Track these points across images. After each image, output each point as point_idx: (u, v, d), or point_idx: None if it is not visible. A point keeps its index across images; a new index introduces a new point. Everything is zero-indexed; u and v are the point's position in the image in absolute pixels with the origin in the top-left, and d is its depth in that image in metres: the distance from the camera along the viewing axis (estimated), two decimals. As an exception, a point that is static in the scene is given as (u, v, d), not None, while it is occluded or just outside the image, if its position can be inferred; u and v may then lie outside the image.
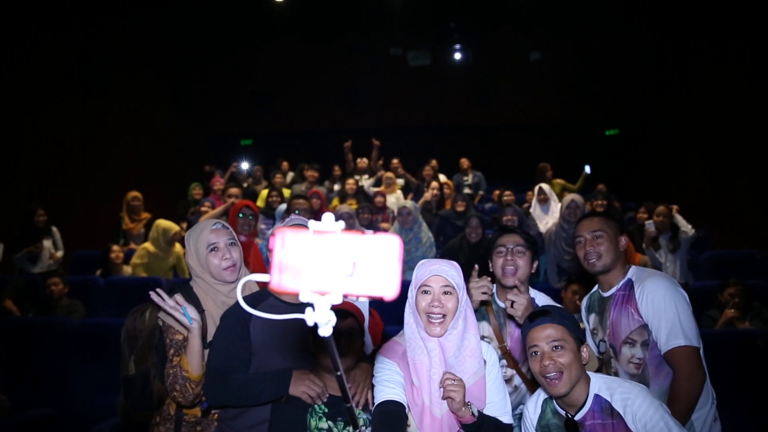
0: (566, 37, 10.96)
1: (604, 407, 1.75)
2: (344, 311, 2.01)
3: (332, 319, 0.61)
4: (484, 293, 2.27)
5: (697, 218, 6.70)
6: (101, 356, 3.78)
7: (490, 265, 2.41)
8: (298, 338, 2.02)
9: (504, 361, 2.32)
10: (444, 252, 5.09)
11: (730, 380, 3.60)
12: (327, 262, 0.58)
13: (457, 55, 11.71)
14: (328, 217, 0.60)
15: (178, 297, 1.96)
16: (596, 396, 1.77)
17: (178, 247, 5.46)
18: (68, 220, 6.46)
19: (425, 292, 1.83)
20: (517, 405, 2.30)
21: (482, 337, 2.39)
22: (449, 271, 1.84)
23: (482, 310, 2.42)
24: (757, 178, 6.52)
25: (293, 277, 0.58)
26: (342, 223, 0.60)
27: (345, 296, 0.59)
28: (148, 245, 5.37)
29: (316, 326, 0.64)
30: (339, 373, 0.74)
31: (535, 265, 2.38)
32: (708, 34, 7.65)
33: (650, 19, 9.57)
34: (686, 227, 5.21)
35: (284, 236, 0.59)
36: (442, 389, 1.75)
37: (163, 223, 5.39)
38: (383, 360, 1.87)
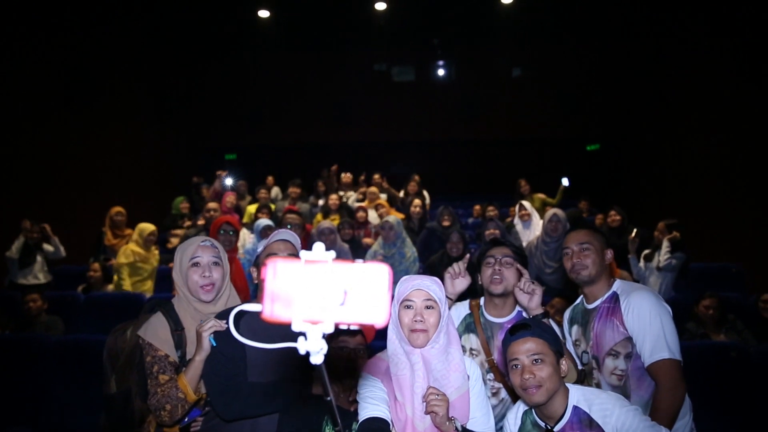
0: (548, 55, 11.18)
1: (582, 418, 1.79)
2: (353, 329, 2.02)
3: (324, 347, 0.63)
4: (455, 276, 2.33)
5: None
6: (80, 374, 3.73)
7: (479, 277, 2.43)
8: (297, 356, 2.02)
9: (491, 375, 2.35)
10: (426, 267, 5.12)
11: (705, 391, 3.66)
12: (318, 292, 0.60)
13: (441, 71, 11.87)
14: (318, 246, 0.62)
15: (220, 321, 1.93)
16: (575, 407, 1.80)
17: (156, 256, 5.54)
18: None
19: (408, 306, 1.86)
20: (504, 418, 2.32)
21: (470, 350, 2.42)
22: (431, 285, 1.87)
23: (470, 323, 2.44)
24: (734, 191, 6.66)
25: (285, 307, 0.59)
26: (333, 253, 0.62)
27: (336, 325, 0.61)
28: (132, 245, 5.35)
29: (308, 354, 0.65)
30: (329, 398, 0.75)
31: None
32: (687, 51, 7.84)
33: (630, 37, 9.79)
34: (663, 255, 5.14)
35: (276, 266, 0.61)
36: (425, 404, 1.76)
37: (141, 224, 5.46)
38: (367, 377, 1.88)
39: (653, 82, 9.04)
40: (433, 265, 4.99)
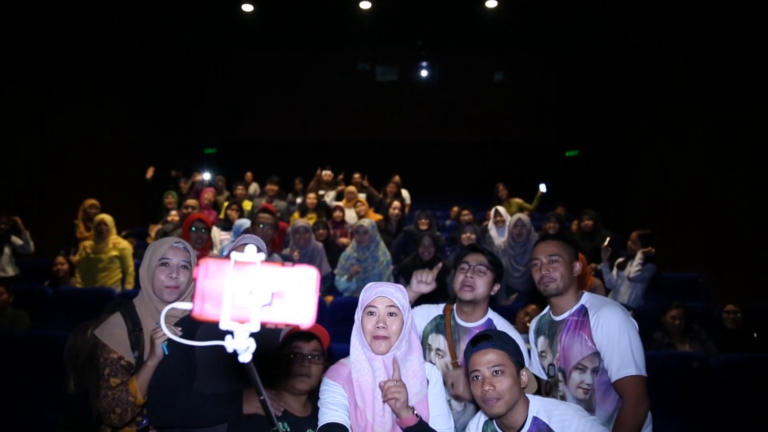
0: (530, 60, 11.30)
1: (542, 429, 1.81)
2: (308, 333, 2.03)
3: (251, 346, 0.64)
4: (420, 282, 2.32)
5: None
6: (45, 370, 3.66)
7: (453, 281, 2.45)
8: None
9: None
10: (399, 270, 5.15)
11: (667, 401, 3.74)
12: (246, 292, 0.61)
13: (424, 73, 11.92)
14: (250, 249, 0.63)
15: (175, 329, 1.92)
16: (535, 418, 1.83)
17: (123, 243, 5.35)
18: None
19: (371, 313, 1.87)
20: (466, 423, 2.35)
21: (436, 350, 2.44)
22: (395, 293, 1.89)
23: (440, 324, 2.46)
24: (703, 202, 6.80)
25: (214, 306, 0.61)
26: (262, 255, 0.64)
27: (263, 324, 0.62)
28: (86, 242, 5.28)
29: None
30: (262, 397, 0.76)
31: (495, 288, 2.42)
32: (663, 61, 7.98)
33: (610, 46, 9.94)
34: (634, 266, 5.19)
35: (207, 266, 0.62)
36: (385, 398, 1.77)
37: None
38: (328, 382, 1.89)
39: (630, 91, 9.19)
40: (406, 267, 5.03)
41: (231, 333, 0.63)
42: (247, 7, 9.48)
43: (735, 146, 6.24)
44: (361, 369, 1.86)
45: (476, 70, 11.43)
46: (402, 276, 5.02)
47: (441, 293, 4.89)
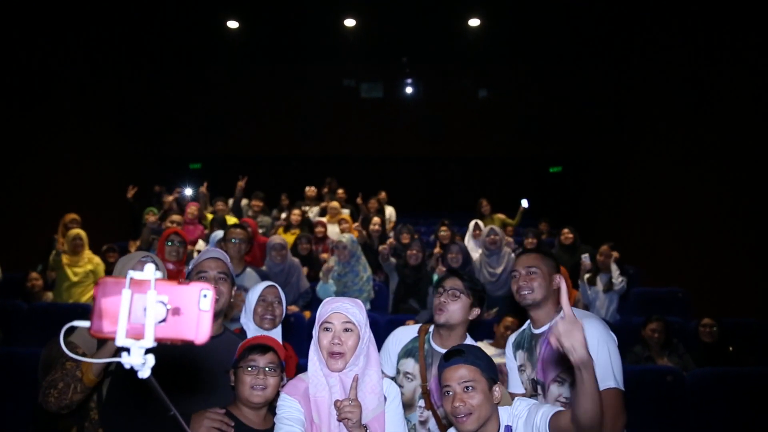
0: (514, 77, 11.44)
1: None
2: (265, 346, 2.03)
3: (148, 362, 0.65)
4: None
5: (629, 256, 7.03)
6: (14, 388, 3.61)
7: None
8: (210, 377, 2.02)
9: (422, 401, 2.37)
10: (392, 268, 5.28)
11: (642, 414, 3.77)
12: (141, 309, 0.63)
13: (409, 89, 12.02)
14: (149, 267, 0.64)
15: None
16: (507, 427, 1.83)
17: (96, 259, 5.44)
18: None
19: (326, 329, 1.89)
20: None
21: (405, 373, 2.44)
22: (351, 308, 1.90)
23: (414, 348, 2.47)
24: (682, 218, 6.88)
25: (111, 323, 0.62)
26: (159, 273, 0.65)
27: (157, 340, 0.64)
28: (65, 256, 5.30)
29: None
30: (171, 413, 0.77)
31: (475, 312, 2.43)
32: (649, 75, 8.11)
33: (593, 62, 10.11)
34: (616, 279, 5.32)
35: (105, 284, 0.63)
36: (338, 415, 1.77)
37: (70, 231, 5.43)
38: (284, 397, 1.89)
39: (613, 107, 9.35)
40: (398, 267, 5.23)
41: (128, 350, 0.64)
42: (233, 24, 9.54)
43: (714, 164, 6.34)
44: (318, 385, 1.86)
45: (460, 86, 11.55)
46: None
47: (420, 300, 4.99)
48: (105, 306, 0.63)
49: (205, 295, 0.64)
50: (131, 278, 0.64)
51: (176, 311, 0.63)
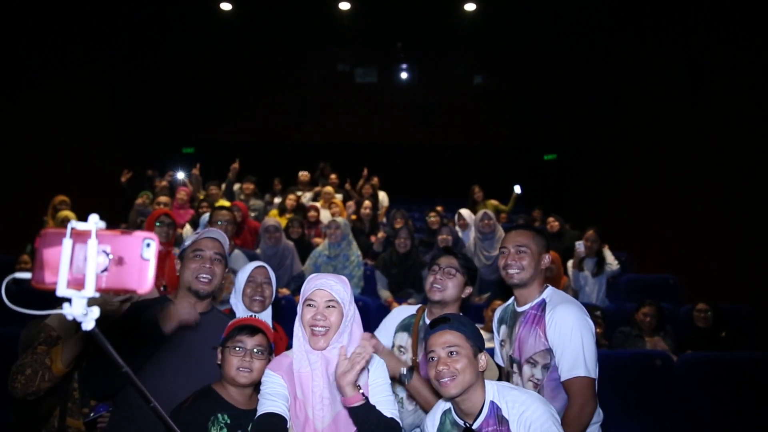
0: (509, 64, 11.38)
1: (497, 414, 1.80)
2: (253, 328, 2.02)
3: (92, 312, 0.64)
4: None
5: (620, 243, 7.05)
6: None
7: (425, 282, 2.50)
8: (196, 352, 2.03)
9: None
10: (378, 265, 5.23)
11: (630, 398, 3.80)
12: (82, 259, 0.61)
13: (404, 75, 11.95)
14: (92, 217, 0.63)
15: None
16: (492, 403, 1.81)
17: None
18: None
19: (310, 305, 1.88)
20: (417, 426, 2.34)
21: (399, 347, 2.46)
22: (334, 285, 1.90)
23: (409, 323, 2.49)
24: (674, 205, 6.89)
25: (52, 274, 0.61)
26: (102, 224, 0.63)
27: (99, 290, 0.62)
28: None
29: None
30: (123, 370, 0.76)
31: (467, 291, 2.44)
32: (643, 62, 8.07)
33: (588, 48, 10.05)
34: (612, 262, 5.41)
35: (46, 234, 0.62)
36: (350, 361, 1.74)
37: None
38: (269, 373, 1.88)
39: (607, 94, 9.30)
40: (384, 261, 5.18)
41: (69, 300, 0.62)
42: (226, 6, 9.44)
43: (706, 150, 6.33)
44: (302, 360, 1.86)
45: (455, 73, 11.48)
46: (381, 272, 5.15)
47: (415, 285, 4.99)
48: (46, 257, 0.61)
49: (148, 245, 0.63)
50: (72, 228, 0.63)
51: (119, 261, 0.62)
